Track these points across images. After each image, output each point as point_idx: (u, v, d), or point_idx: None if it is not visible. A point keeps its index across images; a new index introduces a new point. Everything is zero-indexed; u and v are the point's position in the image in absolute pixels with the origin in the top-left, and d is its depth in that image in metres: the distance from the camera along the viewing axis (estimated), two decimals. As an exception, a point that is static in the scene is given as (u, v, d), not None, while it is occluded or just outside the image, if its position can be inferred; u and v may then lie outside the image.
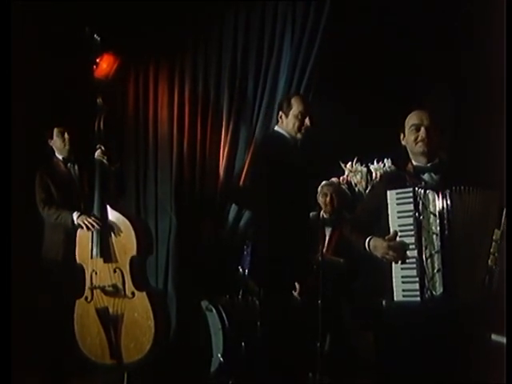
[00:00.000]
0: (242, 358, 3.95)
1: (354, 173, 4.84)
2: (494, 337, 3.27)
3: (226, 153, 4.80)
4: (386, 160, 4.80)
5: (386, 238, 2.64)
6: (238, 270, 4.17)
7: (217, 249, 4.73)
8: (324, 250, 4.12)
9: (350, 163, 4.86)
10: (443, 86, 4.86)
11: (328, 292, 3.90)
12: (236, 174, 4.77)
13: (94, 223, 3.86)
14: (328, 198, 4.41)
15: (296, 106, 3.52)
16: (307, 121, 3.50)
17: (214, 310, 4.08)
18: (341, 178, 4.84)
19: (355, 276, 4.14)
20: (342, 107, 4.74)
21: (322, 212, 4.46)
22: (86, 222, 3.87)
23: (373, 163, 4.84)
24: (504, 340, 3.30)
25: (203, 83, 4.94)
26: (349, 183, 4.82)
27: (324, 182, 4.51)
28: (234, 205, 4.74)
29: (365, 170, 4.84)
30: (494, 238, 2.55)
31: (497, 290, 2.54)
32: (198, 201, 4.94)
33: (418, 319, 2.60)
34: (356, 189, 4.85)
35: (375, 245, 2.67)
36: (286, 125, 3.53)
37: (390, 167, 4.76)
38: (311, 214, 4.47)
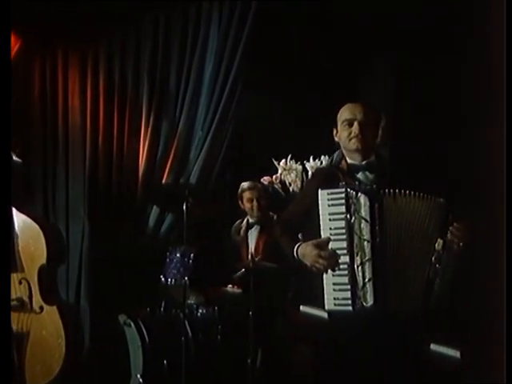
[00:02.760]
0: (164, 378, 3.96)
1: (288, 171, 4.89)
2: (433, 347, 3.43)
3: (146, 149, 4.79)
4: (323, 157, 4.87)
5: (316, 244, 2.66)
6: (160, 279, 4.16)
7: (136, 256, 4.70)
8: (252, 255, 4.17)
9: (283, 160, 4.92)
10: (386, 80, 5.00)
11: (260, 302, 3.97)
12: (157, 173, 4.77)
13: None
14: (254, 204, 4.47)
15: (342, 116, 3.43)
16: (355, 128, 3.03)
17: (132, 325, 4.06)
18: (273, 176, 4.90)
19: (288, 283, 4.23)
20: (275, 100, 4.83)
21: (247, 217, 4.55)
22: None
23: (309, 160, 4.90)
24: (446, 350, 3.47)
25: (120, 73, 4.89)
26: (282, 182, 4.88)
27: (246, 186, 4.54)
28: (155, 207, 4.74)
29: (300, 167, 4.90)
30: (436, 247, 2.61)
31: (438, 302, 2.61)
32: (115, 202, 4.90)
33: (354, 330, 2.66)
34: (290, 188, 4.91)
35: (304, 253, 2.69)
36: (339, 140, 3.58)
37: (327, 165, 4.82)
38: (236, 222, 4.60)
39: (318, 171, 3.99)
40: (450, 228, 2.60)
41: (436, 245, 2.61)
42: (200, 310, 4.23)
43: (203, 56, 4.59)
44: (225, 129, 4.55)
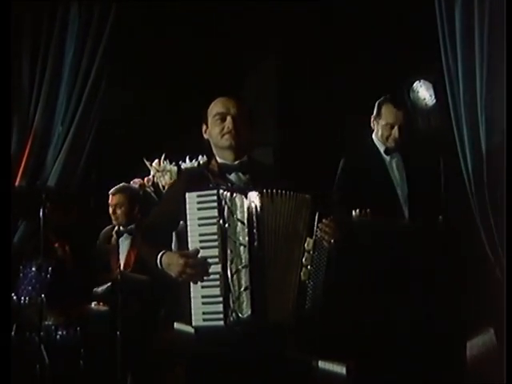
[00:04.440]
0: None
1: (161, 172, 4.76)
2: (321, 364, 3.39)
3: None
4: (200, 157, 4.75)
5: (184, 253, 2.55)
6: (12, 298, 3.95)
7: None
8: (122, 267, 4.08)
9: (156, 161, 4.79)
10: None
11: (130, 319, 3.83)
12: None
13: None
14: (116, 210, 4.31)
15: (384, 117, 3.76)
16: (395, 131, 3.71)
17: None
18: (145, 178, 4.74)
19: (162, 297, 4.09)
20: (148, 97, 4.80)
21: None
22: None
23: (185, 161, 4.79)
24: (330, 366, 3.44)
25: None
26: (155, 185, 4.73)
27: (111, 190, 4.39)
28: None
29: (175, 169, 4.78)
30: (306, 247, 2.56)
31: (313, 308, 2.57)
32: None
33: (228, 347, 2.56)
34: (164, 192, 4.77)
35: (169, 262, 2.57)
36: (376, 133, 3.82)
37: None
38: (106, 229, 4.44)
39: (184, 172, 3.89)
40: (319, 225, 2.58)
41: (306, 245, 2.57)
42: (59, 332, 4.01)
43: (63, 39, 4.40)
44: (89, 124, 4.39)
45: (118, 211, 4.29)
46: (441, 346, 3.39)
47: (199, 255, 2.53)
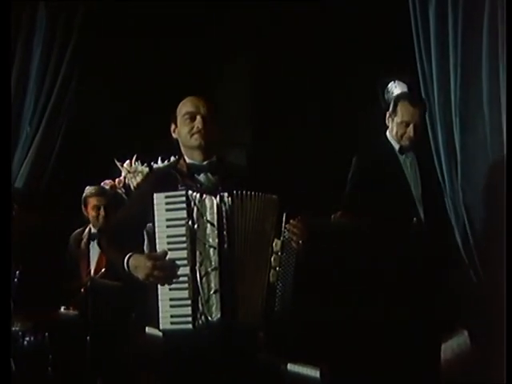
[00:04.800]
0: None
1: (133, 174, 4.70)
2: (290, 367, 3.36)
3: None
4: (172, 158, 4.61)
5: (152, 255, 2.53)
6: None
7: None
8: (92, 272, 4.04)
9: (127, 162, 4.72)
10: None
11: (100, 326, 3.80)
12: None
13: None
14: (101, 212, 4.22)
15: (400, 114, 3.61)
16: (410, 130, 3.57)
17: None
18: (116, 180, 4.67)
19: (134, 303, 4.00)
20: (119, 97, 4.70)
21: (90, 226, 4.30)
22: None
23: (156, 162, 4.73)
24: (303, 370, 3.41)
25: None
26: (126, 187, 4.66)
27: (93, 191, 4.30)
28: None
29: (147, 170, 4.71)
30: (274, 249, 2.56)
31: (282, 311, 2.56)
32: None
33: (196, 349, 2.54)
34: (136, 194, 4.71)
35: (137, 265, 2.53)
36: (391, 130, 3.68)
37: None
38: (76, 232, 4.36)
39: (152, 173, 3.85)
40: (286, 226, 2.58)
41: (274, 245, 2.57)
42: (27, 338, 3.90)
43: (31, 35, 4.40)
44: (58, 124, 4.39)
45: (97, 213, 4.21)
46: (415, 348, 3.38)
47: (167, 257, 2.49)
